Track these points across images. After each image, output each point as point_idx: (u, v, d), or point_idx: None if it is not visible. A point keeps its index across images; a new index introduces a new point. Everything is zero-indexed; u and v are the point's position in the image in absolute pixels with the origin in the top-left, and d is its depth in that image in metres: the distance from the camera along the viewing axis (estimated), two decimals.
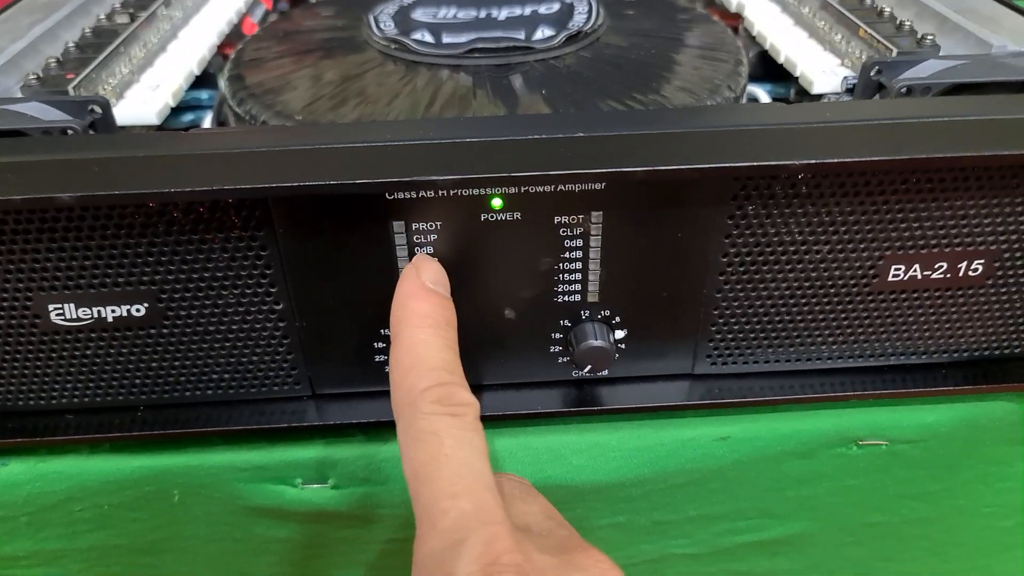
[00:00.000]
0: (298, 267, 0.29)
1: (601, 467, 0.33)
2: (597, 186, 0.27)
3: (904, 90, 0.32)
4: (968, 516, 0.38)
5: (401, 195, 0.27)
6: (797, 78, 0.38)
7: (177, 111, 0.40)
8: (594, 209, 0.28)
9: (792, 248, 0.29)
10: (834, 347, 0.32)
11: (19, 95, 0.35)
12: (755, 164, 0.25)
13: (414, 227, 0.28)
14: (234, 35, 0.47)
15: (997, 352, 0.33)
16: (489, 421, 0.33)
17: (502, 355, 0.32)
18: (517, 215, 0.28)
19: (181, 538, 0.35)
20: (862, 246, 0.29)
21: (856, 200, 0.28)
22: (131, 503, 0.34)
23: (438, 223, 0.28)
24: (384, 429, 0.33)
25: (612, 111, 0.32)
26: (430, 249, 0.29)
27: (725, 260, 0.29)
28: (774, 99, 0.41)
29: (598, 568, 0.23)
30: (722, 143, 0.26)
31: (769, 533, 0.38)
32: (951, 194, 0.28)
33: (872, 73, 0.33)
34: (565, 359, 0.32)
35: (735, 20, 0.47)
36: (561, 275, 0.29)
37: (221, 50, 0.45)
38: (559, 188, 0.27)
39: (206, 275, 0.29)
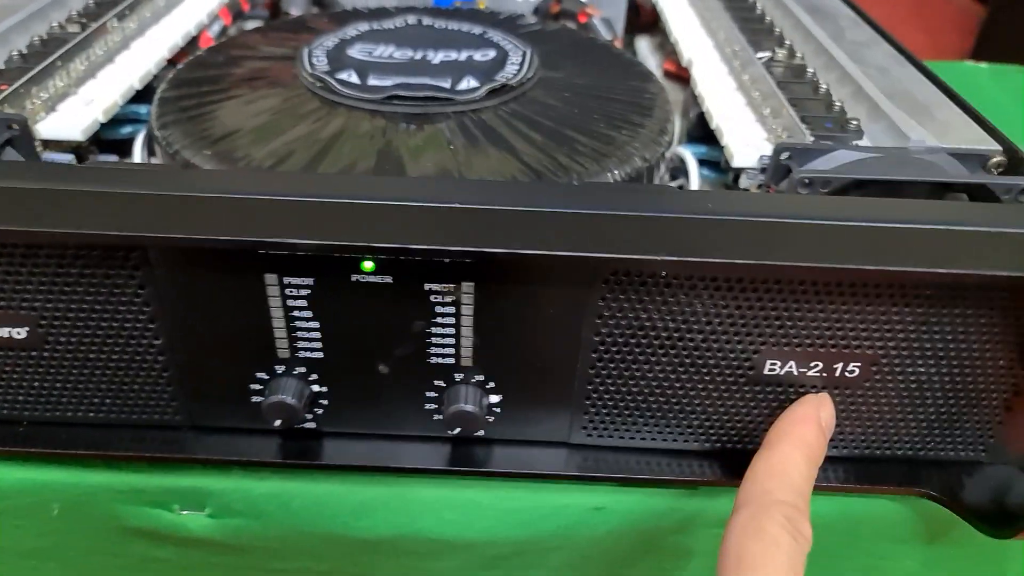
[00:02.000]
0: (176, 307, 0.29)
1: (474, 524, 0.34)
2: (467, 259, 0.27)
3: (807, 181, 0.31)
4: None
5: (274, 251, 0.27)
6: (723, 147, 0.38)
7: (115, 123, 0.40)
8: (465, 280, 0.28)
9: (665, 334, 0.29)
10: (711, 432, 0.32)
11: None
12: (611, 256, 0.25)
13: (286, 281, 0.28)
14: (190, 48, 0.48)
15: (877, 452, 0.32)
16: (363, 471, 0.33)
17: (378, 407, 0.32)
18: (388, 279, 0.28)
19: (62, 548, 0.36)
20: (736, 338, 0.29)
21: (729, 295, 0.28)
22: (13, 511, 0.34)
23: (311, 279, 0.28)
24: (259, 468, 0.33)
25: (488, 181, 0.32)
26: (303, 303, 0.29)
27: (598, 339, 0.29)
28: (705, 162, 0.40)
29: None
30: (591, 228, 0.26)
31: None
32: (824, 298, 0.28)
33: (782, 158, 0.33)
34: (439, 416, 0.32)
35: (687, 73, 0.47)
36: (433, 338, 0.30)
37: (173, 61, 0.45)
38: (430, 258, 0.27)
39: (85, 306, 0.29)
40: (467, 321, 0.29)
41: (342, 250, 0.26)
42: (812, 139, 0.34)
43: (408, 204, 0.27)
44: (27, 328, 0.30)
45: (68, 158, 0.37)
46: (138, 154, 0.40)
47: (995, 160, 0.33)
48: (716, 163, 0.40)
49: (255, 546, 0.35)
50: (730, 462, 0.33)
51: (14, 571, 0.37)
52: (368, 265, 0.28)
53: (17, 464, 0.33)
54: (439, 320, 0.29)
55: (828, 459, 0.33)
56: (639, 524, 0.34)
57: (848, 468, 0.33)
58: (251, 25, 0.53)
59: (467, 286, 0.28)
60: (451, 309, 0.29)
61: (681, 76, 0.48)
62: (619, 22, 0.55)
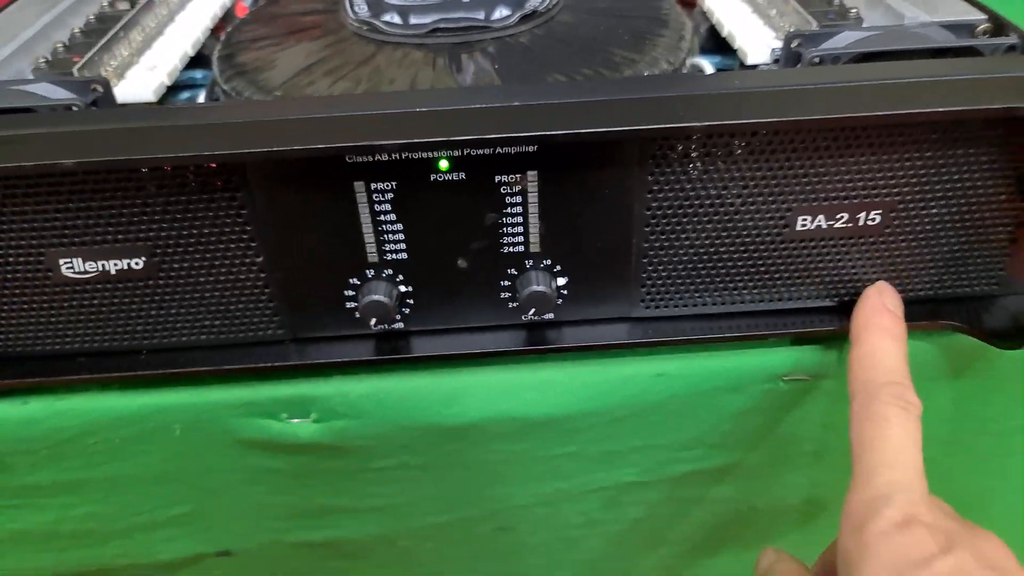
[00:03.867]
0: (273, 224, 0.33)
1: (550, 401, 0.38)
2: (530, 148, 0.31)
3: (817, 59, 0.35)
4: None
5: (360, 159, 0.31)
6: (736, 51, 0.41)
7: (174, 90, 0.44)
8: (530, 168, 0.32)
9: (708, 202, 0.33)
10: (755, 291, 0.36)
11: (30, 77, 0.39)
12: (659, 126, 0.29)
13: (372, 187, 0.32)
14: (227, 18, 0.51)
15: (902, 293, 0.36)
16: (447, 361, 0.37)
17: (458, 301, 0.36)
18: (462, 175, 0.32)
19: (185, 469, 0.40)
20: (771, 199, 0.33)
21: (761, 158, 0.32)
22: (139, 436, 0.38)
23: (393, 183, 0.32)
24: (356, 370, 0.37)
25: (544, 84, 0.35)
26: (388, 207, 0.33)
27: (649, 214, 0.33)
28: (718, 70, 0.44)
29: (994, 542, 0.28)
30: (638, 108, 0.30)
31: (710, 462, 0.42)
32: (845, 151, 0.32)
33: (792, 45, 0.37)
34: (514, 304, 0.36)
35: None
36: (505, 228, 0.33)
37: (215, 32, 0.49)
38: (497, 151, 0.31)
39: (194, 231, 0.33)
40: (533, 209, 0.33)
41: (423, 147, 0.30)
42: (818, 26, 0.38)
43: (474, 107, 0.30)
44: (144, 258, 0.33)
45: None
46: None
47: (982, 27, 0.36)
48: (729, 70, 0.44)
49: (357, 446, 0.39)
50: (774, 318, 0.37)
51: (143, 499, 0.42)
52: (444, 164, 0.32)
53: (140, 391, 0.37)
54: (509, 210, 0.33)
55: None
56: (697, 386, 0.38)
57: None
58: None
59: (532, 175, 0.32)
60: (519, 199, 0.33)
61: (686, 1, 0.52)
62: None
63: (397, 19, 0.41)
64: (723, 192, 0.33)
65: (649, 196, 0.33)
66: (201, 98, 0.44)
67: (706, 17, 0.46)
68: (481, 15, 0.41)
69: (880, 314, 0.33)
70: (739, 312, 0.37)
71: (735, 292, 0.36)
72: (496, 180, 0.32)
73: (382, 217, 0.33)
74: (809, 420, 0.40)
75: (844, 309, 0.36)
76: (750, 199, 0.33)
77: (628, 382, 0.38)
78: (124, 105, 0.39)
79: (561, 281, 0.35)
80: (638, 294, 0.36)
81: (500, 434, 0.38)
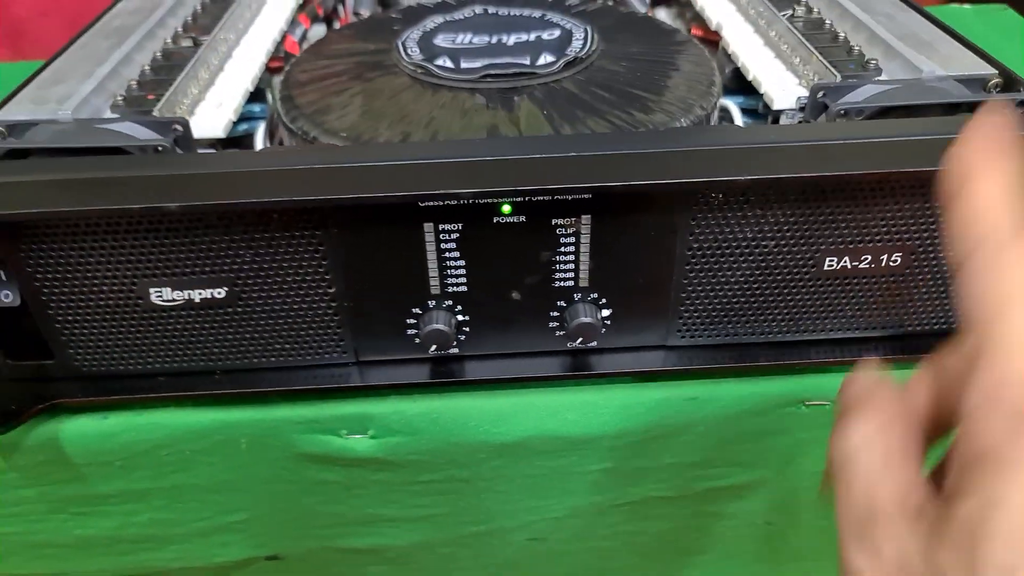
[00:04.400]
0: (347, 258, 0.36)
1: (591, 422, 0.41)
2: (586, 196, 0.34)
3: (842, 112, 0.38)
4: None
5: (431, 203, 0.34)
6: (762, 95, 0.45)
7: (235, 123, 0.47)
8: (584, 213, 0.35)
9: (744, 244, 0.36)
10: (784, 324, 0.39)
11: (109, 114, 0.42)
12: (705, 180, 0.32)
13: (440, 227, 0.35)
14: (278, 51, 0.54)
15: (919, 328, 0.40)
16: (498, 384, 0.40)
17: (510, 329, 0.39)
18: (522, 218, 0.35)
19: (246, 479, 0.43)
20: (801, 242, 0.36)
21: (794, 205, 0.35)
22: (208, 449, 0.41)
23: (460, 224, 0.35)
24: (414, 390, 0.40)
25: (599, 134, 0.38)
26: (453, 245, 0.36)
27: (689, 253, 0.36)
28: (743, 110, 0.47)
29: None
30: (681, 162, 0.33)
31: (735, 479, 0.45)
32: (869, 201, 0.35)
33: (818, 96, 0.40)
34: (561, 333, 0.39)
35: (716, 36, 0.54)
36: (557, 265, 0.37)
37: (269, 65, 0.52)
38: (555, 197, 0.34)
39: (274, 265, 0.36)
40: (585, 248, 0.36)
41: (490, 195, 0.33)
42: (841, 78, 0.41)
43: (535, 157, 0.33)
44: (226, 288, 0.36)
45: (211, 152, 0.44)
46: (260, 144, 0.47)
47: (993, 82, 0.40)
48: (754, 110, 0.47)
49: (409, 460, 0.42)
50: (799, 348, 0.40)
51: (203, 506, 0.44)
52: (507, 208, 0.35)
53: (211, 408, 0.40)
54: (562, 249, 0.36)
55: (877, 338, 0.40)
56: (726, 409, 0.41)
57: (896, 344, 0.40)
58: (322, 29, 0.60)
59: (585, 218, 0.35)
60: (572, 239, 0.36)
61: (709, 40, 0.55)
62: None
63: (449, 63, 0.44)
64: (758, 235, 0.36)
65: (690, 238, 0.36)
66: (260, 131, 0.47)
67: (730, 59, 0.50)
68: (527, 61, 0.44)
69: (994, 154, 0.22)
70: (767, 342, 0.40)
71: (765, 324, 0.39)
72: (553, 223, 0.35)
73: (447, 254, 0.36)
74: (827, 442, 0.43)
75: (869, 341, 0.40)
76: (782, 242, 0.36)
77: (662, 405, 0.41)
78: (212, 150, 0.42)
79: (605, 312, 0.38)
80: (675, 324, 0.39)
81: (543, 451, 0.42)
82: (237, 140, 0.48)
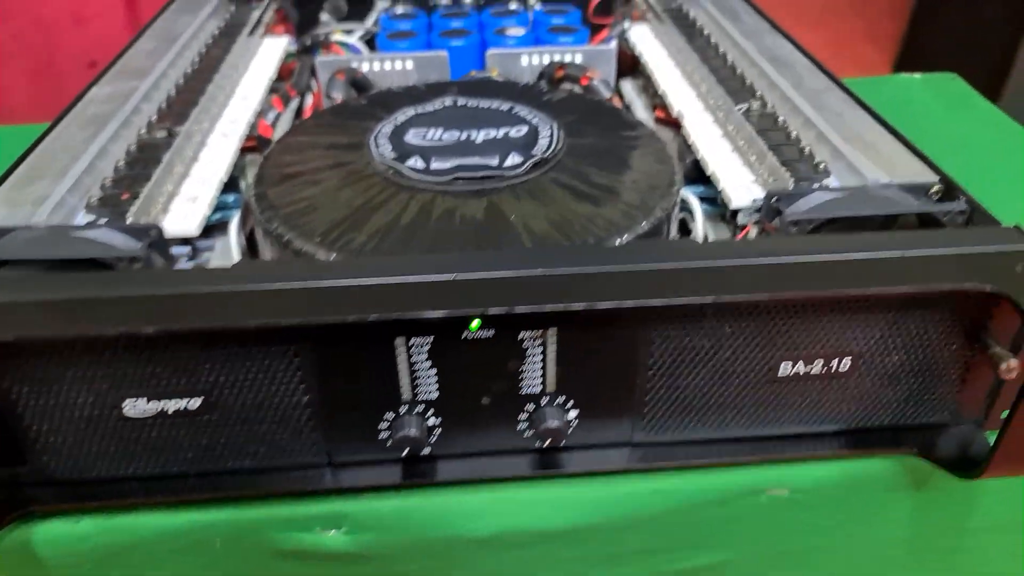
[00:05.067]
0: (322, 369, 0.37)
1: (561, 515, 0.42)
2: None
3: (793, 225, 0.40)
4: (858, 544, 0.47)
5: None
6: (720, 191, 0.47)
7: None
8: (550, 326, 0.36)
9: (703, 352, 0.38)
10: (743, 421, 0.41)
11: (84, 215, 0.42)
12: (663, 304, 0.34)
13: (411, 341, 0.36)
14: (251, 133, 0.55)
15: (868, 423, 0.42)
16: (470, 482, 0.41)
17: (481, 432, 0.40)
18: (491, 332, 0.36)
19: (221, 575, 0.43)
20: (757, 350, 0.38)
21: (749, 318, 0.37)
22: (182, 549, 0.41)
23: (430, 337, 0.36)
24: (385, 490, 0.41)
25: (564, 250, 0.39)
26: (424, 355, 0.37)
27: (652, 361, 0.38)
28: (703, 199, 0.49)
29: None
30: (642, 283, 0.35)
31: (699, 561, 0.47)
32: (821, 313, 0.37)
33: (772, 201, 0.42)
34: (530, 433, 0.40)
35: (678, 122, 0.56)
36: (525, 373, 0.38)
37: (243, 151, 0.53)
38: (522, 313, 0.36)
39: (249, 376, 0.37)
40: (552, 357, 0.38)
41: (463, 316, 0.34)
42: (793, 182, 0.43)
43: (503, 276, 0.35)
44: (200, 399, 0.37)
45: (186, 249, 0.45)
46: (234, 235, 0.48)
47: (934, 189, 0.42)
48: (713, 199, 0.49)
49: (382, 554, 0.43)
50: (756, 445, 0.42)
51: None
52: (475, 324, 0.36)
53: (186, 509, 0.41)
54: (529, 359, 0.37)
55: (830, 433, 0.42)
56: (689, 499, 0.43)
57: (847, 438, 0.42)
58: (294, 105, 0.61)
59: (551, 331, 0.37)
60: (539, 350, 0.37)
61: (671, 122, 0.57)
62: (611, 77, 0.63)
63: (420, 163, 0.45)
64: (716, 344, 0.38)
65: (652, 347, 0.37)
66: (235, 221, 0.48)
67: (691, 149, 0.52)
68: (495, 161, 0.45)
69: None
70: (727, 438, 0.42)
71: (726, 422, 0.41)
72: (519, 337, 0.37)
73: (418, 365, 0.37)
74: (786, 526, 0.45)
75: (823, 436, 0.42)
76: (739, 350, 0.38)
77: (629, 498, 0.42)
78: (187, 248, 0.43)
79: (573, 414, 0.40)
80: (640, 424, 0.41)
81: (516, 544, 0.43)
82: (212, 228, 0.49)
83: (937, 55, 1.74)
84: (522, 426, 0.40)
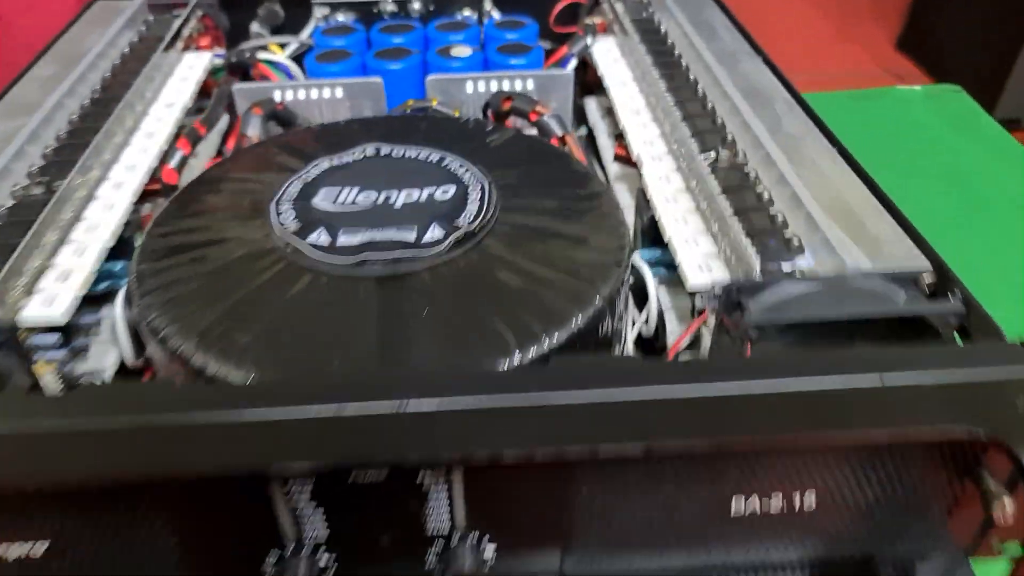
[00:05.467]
0: (183, 517, 0.31)
1: None
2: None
3: (758, 328, 0.34)
4: None
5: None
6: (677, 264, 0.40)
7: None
8: (455, 467, 0.30)
9: (641, 490, 0.32)
10: (692, 555, 0.35)
11: None
12: (589, 450, 0.28)
13: (290, 482, 0.30)
14: (153, 176, 0.49)
15: (836, 558, 0.36)
16: None
17: (384, 569, 0.34)
18: (383, 475, 0.30)
19: None
20: (706, 488, 0.32)
21: (698, 459, 0.31)
22: None
23: (310, 483, 0.30)
24: None
25: (472, 378, 0.31)
26: (307, 497, 0.31)
27: (580, 497, 0.32)
28: (658, 262, 0.43)
29: None
30: (569, 419, 0.29)
31: None
32: (778, 453, 0.31)
33: (734, 292, 0.36)
34: (442, 570, 0.35)
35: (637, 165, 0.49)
36: (429, 513, 0.32)
37: (142, 199, 0.47)
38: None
39: (99, 524, 0.31)
40: (459, 494, 0.32)
41: (345, 465, 0.28)
42: (759, 262, 0.37)
43: (398, 414, 0.29)
44: (48, 541, 0.31)
45: (53, 338, 0.39)
46: (119, 313, 0.41)
47: (928, 282, 0.36)
48: (669, 264, 0.43)
49: None
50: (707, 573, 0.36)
51: None
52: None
53: None
54: (433, 499, 0.32)
55: (797, 566, 0.37)
56: None
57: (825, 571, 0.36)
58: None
59: (457, 471, 0.31)
60: (443, 489, 0.31)
61: (631, 162, 0.51)
62: (568, 105, 0.56)
63: (325, 238, 0.39)
64: (655, 482, 0.32)
65: (579, 482, 0.32)
66: (120, 298, 0.42)
67: (649, 205, 0.45)
68: (412, 236, 0.39)
69: None
70: (675, 569, 0.36)
71: (664, 559, 0.35)
72: (418, 480, 0.31)
73: (300, 506, 0.31)
74: None
75: (780, 566, 0.36)
76: (684, 486, 0.32)
77: None
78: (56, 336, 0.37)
79: (490, 548, 0.34)
80: (569, 555, 0.35)
81: None
82: (92, 298, 0.42)
83: (941, 33, 1.64)
84: (431, 565, 0.34)
